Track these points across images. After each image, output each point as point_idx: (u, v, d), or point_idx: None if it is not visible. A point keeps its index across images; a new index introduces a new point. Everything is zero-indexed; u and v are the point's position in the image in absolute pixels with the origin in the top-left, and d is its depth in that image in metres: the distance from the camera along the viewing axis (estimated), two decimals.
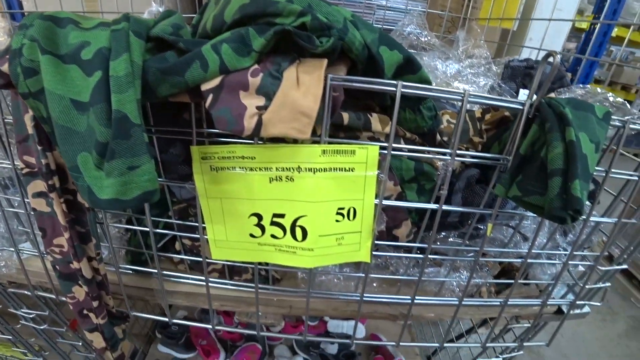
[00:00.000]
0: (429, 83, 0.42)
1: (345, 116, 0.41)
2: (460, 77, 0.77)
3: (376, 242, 0.47)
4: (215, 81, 0.35)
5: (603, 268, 0.54)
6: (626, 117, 0.50)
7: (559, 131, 0.34)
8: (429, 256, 0.46)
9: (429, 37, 0.81)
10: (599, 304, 0.59)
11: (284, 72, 0.34)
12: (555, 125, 0.34)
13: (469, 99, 0.35)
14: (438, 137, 0.50)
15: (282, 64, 0.35)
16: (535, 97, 0.36)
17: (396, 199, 0.46)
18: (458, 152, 0.38)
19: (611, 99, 0.52)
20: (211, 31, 0.42)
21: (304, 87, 0.34)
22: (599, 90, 0.55)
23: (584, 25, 2.64)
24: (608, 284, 0.58)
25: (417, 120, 0.44)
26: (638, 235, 0.53)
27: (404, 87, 0.34)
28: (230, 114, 0.34)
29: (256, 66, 0.35)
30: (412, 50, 0.85)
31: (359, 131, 0.43)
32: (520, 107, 0.36)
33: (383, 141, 0.45)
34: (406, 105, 0.44)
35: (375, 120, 0.42)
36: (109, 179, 0.33)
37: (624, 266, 0.56)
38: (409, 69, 0.39)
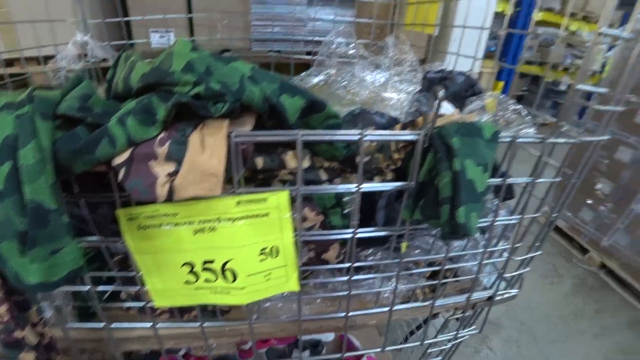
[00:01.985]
0: (336, 117, 0.45)
1: (259, 161, 0.43)
2: (389, 87, 0.80)
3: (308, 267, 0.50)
4: (125, 154, 0.36)
5: (518, 258, 0.60)
6: (521, 126, 0.55)
7: (447, 161, 0.38)
8: (354, 277, 0.50)
9: (357, 49, 0.84)
10: (516, 291, 0.65)
11: (189, 137, 0.36)
12: (444, 155, 0.38)
13: (366, 138, 0.38)
14: (358, 158, 0.53)
15: (186, 129, 0.36)
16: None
17: (320, 227, 0.49)
18: (365, 185, 0.41)
19: (512, 107, 0.58)
20: (121, 93, 0.43)
21: (209, 149, 0.36)
22: (502, 97, 0.60)
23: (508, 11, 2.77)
24: (527, 269, 0.65)
25: (332, 151, 0.47)
26: (544, 229, 0.59)
27: (304, 134, 0.37)
28: (142, 185, 0.35)
29: (162, 135, 0.36)
30: (343, 60, 0.87)
31: (277, 170, 0.46)
32: (416, 137, 0.40)
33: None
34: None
35: (290, 158, 0.45)
36: (33, 264, 0.34)
37: (539, 252, 0.63)
38: (314, 109, 0.42)
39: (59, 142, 0.36)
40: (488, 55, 1.27)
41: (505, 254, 0.62)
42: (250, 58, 1.04)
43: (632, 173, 2.00)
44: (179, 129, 0.37)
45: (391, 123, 0.68)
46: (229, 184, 0.40)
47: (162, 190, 0.36)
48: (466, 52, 0.80)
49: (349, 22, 0.99)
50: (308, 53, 1.02)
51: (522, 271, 0.64)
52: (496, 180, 0.47)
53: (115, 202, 0.42)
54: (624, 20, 3.56)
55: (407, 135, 0.40)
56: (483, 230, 0.60)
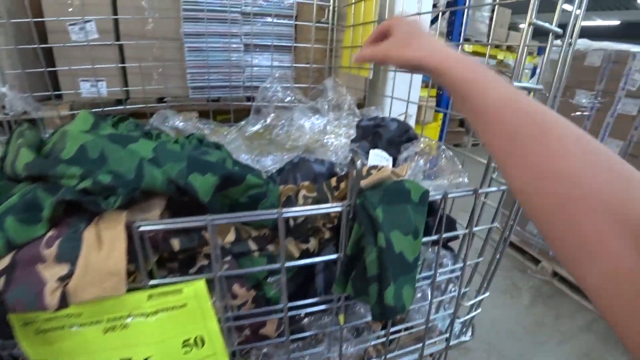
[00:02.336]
0: (258, 185, 0.42)
1: (175, 243, 0.39)
2: (329, 131, 0.79)
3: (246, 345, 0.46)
4: (5, 260, 0.31)
5: (468, 304, 0.60)
6: (453, 175, 0.56)
7: (372, 235, 0.36)
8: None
9: (294, 94, 0.83)
10: (468, 338, 0.64)
11: (82, 233, 0.32)
12: (369, 229, 0.36)
13: (285, 215, 0.36)
14: (291, 222, 0.50)
15: (79, 225, 0.32)
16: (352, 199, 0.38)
17: (253, 302, 0.45)
18: (289, 262, 0.39)
19: (444, 153, 0.58)
20: (12, 175, 0.38)
21: (107, 244, 0.32)
22: (435, 142, 0.61)
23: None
24: (479, 311, 0.64)
25: (260, 222, 0.44)
26: (489, 272, 0.59)
27: (215, 219, 0.34)
28: (27, 294, 0.30)
29: (51, 233, 0.32)
30: (281, 105, 0.86)
31: (199, 247, 0.42)
32: (340, 209, 0.38)
33: (229, 250, 0.44)
34: (244, 210, 0.44)
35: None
36: None
37: (486, 294, 0.63)
38: (232, 183, 0.39)
39: None
40: (426, 83, 1.33)
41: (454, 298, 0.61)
42: (189, 106, 1.01)
43: None
44: (71, 225, 0.32)
45: (331, 170, 0.67)
46: (139, 273, 0.36)
47: (52, 298, 0.31)
48: (402, 91, 0.82)
49: (286, 67, 0.99)
50: (248, 99, 1.01)
51: (473, 314, 0.63)
52: (432, 238, 0.46)
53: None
54: (539, 51, 4.08)
55: (330, 208, 0.38)
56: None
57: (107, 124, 0.42)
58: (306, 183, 0.59)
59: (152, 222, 0.33)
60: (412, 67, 0.41)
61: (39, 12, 0.95)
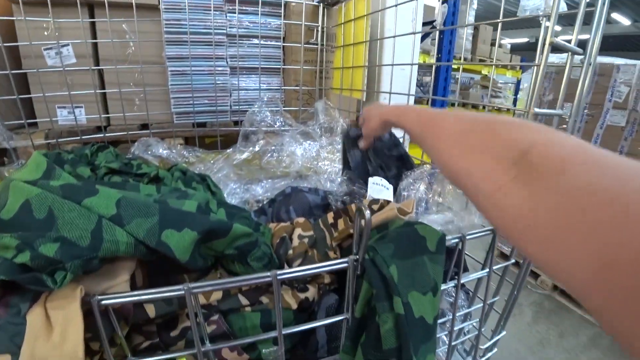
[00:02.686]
0: (246, 235, 0.36)
1: (150, 309, 0.33)
2: (322, 157, 0.75)
3: None
4: None
5: (485, 346, 0.54)
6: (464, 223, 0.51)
7: (387, 299, 0.30)
8: None
9: (283, 118, 0.78)
10: None
11: (26, 315, 0.25)
12: (382, 291, 0.30)
13: (279, 276, 0.30)
14: (286, 266, 0.45)
15: (21, 305, 0.26)
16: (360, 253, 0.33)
17: None
18: (288, 329, 0.32)
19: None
20: None
21: (59, 328, 0.25)
22: (433, 170, 0.57)
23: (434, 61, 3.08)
24: (495, 350, 0.59)
25: (249, 271, 0.38)
26: (506, 310, 0.54)
27: (195, 288, 0.27)
28: None
29: None
30: (271, 130, 0.81)
31: (178, 310, 0.36)
32: (345, 266, 0.32)
33: (215, 307, 0.38)
34: (233, 261, 0.38)
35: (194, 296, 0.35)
36: None
37: (503, 333, 0.57)
38: (216, 236, 0.33)
39: None
40: (417, 101, 1.32)
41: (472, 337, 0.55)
42: (174, 132, 0.95)
43: None
44: (10, 306, 0.26)
45: (325, 200, 0.62)
46: (113, 346, 0.30)
47: None
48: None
49: (275, 89, 0.94)
50: (236, 123, 0.95)
51: (490, 354, 0.57)
52: (450, 285, 0.41)
53: None
54: (522, 64, 4.33)
55: (334, 266, 0.32)
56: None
57: (64, 170, 0.36)
58: (301, 220, 0.54)
59: (117, 294, 0.27)
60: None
61: (13, 36, 0.89)
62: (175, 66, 0.90)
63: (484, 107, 4.41)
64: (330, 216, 0.52)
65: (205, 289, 0.28)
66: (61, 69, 0.89)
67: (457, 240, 0.38)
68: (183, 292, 0.27)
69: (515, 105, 4.72)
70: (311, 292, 0.45)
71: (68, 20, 0.88)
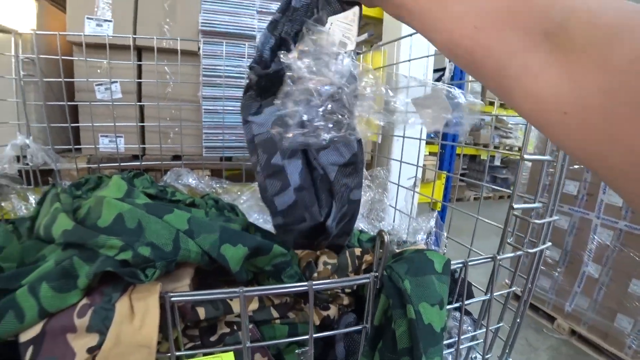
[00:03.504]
0: (283, 254, 0.43)
1: (201, 311, 0.39)
2: None
3: None
4: (36, 329, 0.31)
5: None
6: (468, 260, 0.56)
7: (401, 307, 0.36)
8: None
9: None
10: None
11: (115, 303, 0.32)
12: (397, 301, 0.37)
13: (315, 287, 0.36)
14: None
15: (112, 295, 0.32)
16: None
17: None
18: (316, 334, 0.38)
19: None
20: (44, 237, 0.39)
21: (139, 315, 0.32)
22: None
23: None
24: None
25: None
26: (510, 337, 0.58)
27: (247, 291, 0.34)
28: None
29: (84, 301, 0.32)
30: None
31: (222, 316, 0.42)
32: (367, 281, 0.38)
33: (251, 317, 0.44)
34: (268, 277, 0.44)
35: (236, 304, 0.41)
36: None
37: None
38: (260, 253, 0.40)
39: None
40: (428, 143, 1.39)
41: None
42: (203, 164, 1.04)
43: (574, 238, 2.15)
44: (104, 294, 0.32)
45: None
46: (166, 341, 0.35)
47: None
48: (409, 155, 0.85)
49: None
50: None
51: None
52: (454, 306, 0.46)
53: None
54: None
55: (359, 280, 0.39)
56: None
57: (139, 191, 0.43)
58: (326, 250, 0.60)
59: (185, 293, 0.34)
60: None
61: (70, 73, 1.01)
62: (209, 105, 1.01)
63: (496, 148, 4.53)
64: (357, 250, 0.58)
65: (255, 293, 0.34)
66: (109, 102, 1.00)
67: (460, 265, 0.44)
68: (238, 294, 0.33)
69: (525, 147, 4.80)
70: (332, 311, 0.50)
71: (120, 62, 1.00)
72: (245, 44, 1.00)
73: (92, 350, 0.31)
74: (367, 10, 1.30)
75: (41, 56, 0.93)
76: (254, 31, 1.02)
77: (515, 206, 0.53)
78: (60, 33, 0.94)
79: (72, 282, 0.32)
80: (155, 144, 1.03)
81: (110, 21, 1.05)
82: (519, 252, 0.55)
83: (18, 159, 0.92)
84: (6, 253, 0.36)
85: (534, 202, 0.53)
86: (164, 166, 1.00)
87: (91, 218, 0.36)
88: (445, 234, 0.76)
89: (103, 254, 0.32)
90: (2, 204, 0.91)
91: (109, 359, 0.31)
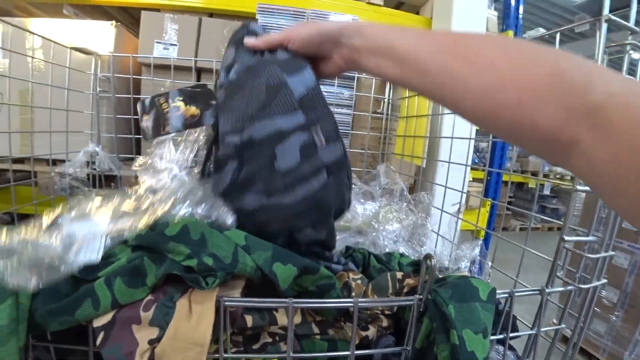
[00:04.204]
0: (329, 277, 0.44)
1: (249, 319, 0.41)
2: (380, 217, 0.82)
3: None
4: (107, 317, 0.35)
5: None
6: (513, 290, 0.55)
7: (444, 332, 0.36)
8: None
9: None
10: None
11: (176, 302, 0.35)
12: (441, 325, 0.37)
13: (360, 304, 0.37)
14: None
15: (174, 294, 0.36)
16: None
17: None
18: (357, 351, 0.39)
19: None
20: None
21: (196, 316, 0.35)
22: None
23: None
24: None
25: (323, 311, 0.46)
26: None
27: (296, 302, 0.36)
28: (120, 353, 0.33)
29: (149, 297, 0.36)
30: None
31: (266, 326, 0.44)
32: (411, 303, 0.39)
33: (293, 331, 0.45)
34: (311, 297, 0.46)
35: (281, 316, 0.43)
36: None
37: None
38: (308, 273, 0.42)
39: (39, 298, 0.35)
40: (474, 167, 1.36)
41: None
42: None
43: (635, 279, 1.96)
44: (167, 293, 0.36)
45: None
46: (215, 344, 0.38)
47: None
48: (453, 181, 0.85)
49: None
50: None
51: None
52: (497, 337, 0.45)
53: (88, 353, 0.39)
54: None
55: (403, 302, 0.39)
56: None
57: None
58: (358, 274, 0.60)
59: (238, 298, 0.36)
60: (328, 39, 0.40)
61: (138, 90, 1.12)
62: None
63: (545, 176, 4.30)
64: (399, 274, 0.58)
65: (302, 305, 0.36)
66: None
67: (505, 295, 0.43)
68: (287, 304, 0.35)
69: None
70: (371, 332, 0.51)
71: (181, 81, 1.09)
72: None
73: (152, 342, 0.34)
74: None
75: (116, 75, 1.04)
76: None
77: (567, 238, 0.51)
78: (133, 55, 1.05)
79: (141, 280, 0.36)
80: None
81: (175, 45, 1.15)
82: (569, 287, 0.52)
83: (88, 164, 1.02)
84: None
85: (588, 235, 0.51)
86: None
87: (159, 226, 0.40)
88: (489, 264, 0.74)
89: (170, 258, 0.36)
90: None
91: (165, 351, 0.34)
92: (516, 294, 0.45)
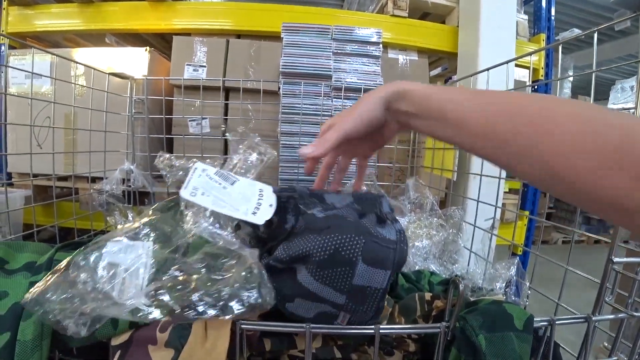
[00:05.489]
0: None
1: (267, 343, 0.40)
2: (409, 231, 0.79)
3: None
4: (125, 336, 0.35)
5: None
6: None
7: None
8: None
9: (377, 192, 0.86)
10: None
11: (192, 325, 0.35)
12: (470, 358, 0.34)
13: (381, 331, 0.35)
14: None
15: None
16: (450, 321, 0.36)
17: None
18: None
19: None
20: None
21: (212, 339, 0.34)
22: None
23: None
24: None
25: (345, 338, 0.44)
26: None
27: (313, 327, 0.34)
28: None
29: (166, 319, 0.35)
30: None
31: (285, 350, 0.42)
32: (437, 331, 0.36)
33: (314, 355, 0.44)
34: None
35: (300, 339, 0.41)
36: None
37: None
38: None
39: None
40: (509, 176, 1.28)
41: None
42: None
43: None
44: None
45: None
46: None
47: None
48: (486, 194, 0.80)
49: (370, 165, 1.05)
50: None
51: None
52: None
53: None
54: None
55: (428, 329, 0.37)
56: None
57: None
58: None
59: (254, 322, 0.35)
60: (381, 108, 0.41)
61: (170, 110, 1.16)
62: (287, 140, 1.07)
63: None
64: (428, 295, 0.55)
65: (321, 330, 0.34)
66: (199, 136, 1.12)
67: (545, 324, 0.39)
68: (304, 329, 0.34)
69: None
70: (396, 357, 0.48)
71: (210, 101, 1.13)
72: (322, 84, 1.06)
73: None
74: (438, 44, 1.30)
75: (149, 97, 1.09)
76: (330, 71, 1.08)
77: (616, 260, 0.46)
78: (165, 78, 1.10)
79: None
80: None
81: (204, 66, 1.20)
82: (620, 315, 0.47)
83: (123, 181, 1.06)
84: None
85: None
86: None
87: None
88: (527, 284, 0.69)
89: None
90: (108, 218, 1.06)
91: None
92: (557, 322, 0.41)
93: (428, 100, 0.37)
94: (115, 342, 0.35)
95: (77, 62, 0.92)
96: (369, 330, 0.34)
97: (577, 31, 3.04)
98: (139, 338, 0.35)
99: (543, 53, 1.41)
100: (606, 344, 1.86)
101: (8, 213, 0.77)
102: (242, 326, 0.35)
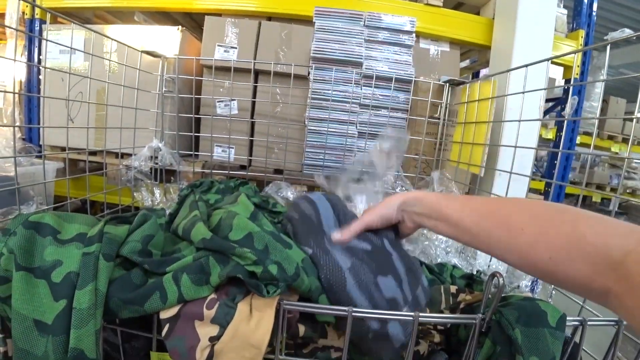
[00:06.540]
0: None
1: (302, 329, 0.42)
2: None
3: None
4: (173, 310, 0.37)
5: None
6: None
7: (509, 357, 0.34)
8: None
9: (402, 183, 0.86)
10: None
11: (238, 303, 0.37)
12: (506, 349, 0.35)
13: (420, 319, 0.36)
14: None
15: (237, 295, 0.37)
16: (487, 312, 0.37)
17: None
18: None
19: None
20: (181, 236, 0.46)
21: (256, 319, 0.36)
22: None
23: (551, 135, 2.88)
24: None
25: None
26: None
27: (355, 311, 0.36)
28: (183, 346, 0.35)
29: (212, 296, 0.37)
30: (391, 191, 0.90)
31: (316, 337, 0.44)
32: (473, 322, 0.37)
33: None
34: None
35: (332, 331, 0.43)
36: None
37: None
38: None
39: (114, 287, 0.38)
40: (533, 178, 1.25)
41: None
42: (301, 180, 1.11)
43: None
44: (230, 293, 0.37)
45: None
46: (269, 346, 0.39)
47: (201, 355, 0.35)
48: (513, 190, 0.80)
49: (397, 155, 1.04)
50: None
51: None
52: None
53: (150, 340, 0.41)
54: None
55: (464, 320, 0.38)
56: None
57: (263, 215, 0.49)
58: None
59: (296, 304, 0.37)
60: (397, 210, 0.52)
61: (199, 91, 1.18)
62: (314, 126, 1.08)
63: (613, 190, 3.90)
64: (453, 288, 0.56)
65: (362, 314, 0.36)
66: (227, 117, 1.14)
67: (576, 323, 0.39)
68: (346, 312, 0.35)
69: None
70: (422, 347, 0.49)
71: (240, 83, 1.13)
72: (352, 70, 1.06)
73: (213, 340, 0.35)
74: (471, 36, 1.26)
75: (180, 76, 1.10)
76: (361, 58, 1.07)
77: None
78: (196, 58, 1.11)
79: (206, 278, 0.37)
80: (261, 157, 1.13)
81: (235, 48, 1.20)
82: None
83: (151, 158, 1.09)
84: (155, 241, 0.44)
85: None
86: (266, 178, 1.09)
87: (223, 230, 0.42)
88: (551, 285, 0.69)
89: (235, 261, 0.38)
90: (135, 194, 1.09)
91: (224, 350, 0.35)
92: (589, 322, 0.41)
93: (438, 205, 0.46)
94: (164, 315, 0.37)
95: (112, 39, 0.93)
96: (408, 316, 0.36)
97: (628, 31, 2.90)
98: (186, 313, 0.37)
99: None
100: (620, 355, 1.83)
101: (45, 184, 0.80)
102: (285, 306, 0.36)
